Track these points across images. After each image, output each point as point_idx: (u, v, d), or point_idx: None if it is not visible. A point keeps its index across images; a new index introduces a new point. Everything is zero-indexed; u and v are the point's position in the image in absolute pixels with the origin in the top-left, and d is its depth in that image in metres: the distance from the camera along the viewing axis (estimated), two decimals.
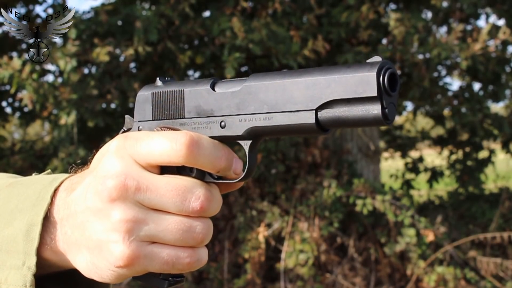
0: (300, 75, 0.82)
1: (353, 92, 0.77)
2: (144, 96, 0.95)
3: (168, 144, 0.83)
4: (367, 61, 0.79)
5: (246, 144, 0.88)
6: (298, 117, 0.82)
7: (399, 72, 6.28)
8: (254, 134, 0.87)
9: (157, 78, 0.96)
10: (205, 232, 0.85)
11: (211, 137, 0.88)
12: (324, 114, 0.80)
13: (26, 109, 6.63)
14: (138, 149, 0.84)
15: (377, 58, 0.78)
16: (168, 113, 0.93)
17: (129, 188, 0.82)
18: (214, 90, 0.89)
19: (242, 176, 0.89)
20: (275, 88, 0.83)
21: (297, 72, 0.83)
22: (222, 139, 0.88)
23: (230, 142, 0.89)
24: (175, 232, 0.83)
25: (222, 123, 0.88)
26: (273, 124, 0.84)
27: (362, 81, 0.77)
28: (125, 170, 0.83)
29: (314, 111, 0.80)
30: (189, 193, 0.83)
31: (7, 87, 6.25)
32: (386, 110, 0.77)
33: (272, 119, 0.84)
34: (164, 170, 0.87)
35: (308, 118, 0.81)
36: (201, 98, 0.90)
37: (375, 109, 0.77)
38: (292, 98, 0.82)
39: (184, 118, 0.91)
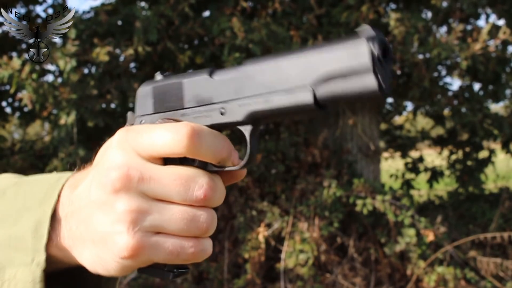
0: (295, 53, 0.82)
1: (347, 66, 0.77)
2: (144, 91, 0.96)
3: (170, 136, 0.83)
4: (356, 30, 0.79)
5: (246, 130, 0.88)
6: (296, 96, 0.82)
7: (399, 72, 6.28)
8: (253, 118, 0.86)
9: (157, 72, 0.96)
10: (209, 222, 0.85)
11: (212, 124, 0.88)
12: (321, 90, 0.80)
13: (25, 109, 6.63)
14: (140, 141, 0.84)
15: (365, 27, 0.78)
16: (168, 105, 0.93)
17: (133, 179, 0.82)
18: (212, 77, 0.89)
19: (244, 163, 0.89)
20: (271, 69, 0.84)
21: (292, 52, 0.83)
22: (223, 126, 0.88)
23: (231, 128, 0.90)
24: (179, 222, 0.83)
25: (222, 110, 0.88)
26: (271, 107, 0.84)
27: (354, 53, 0.77)
28: (128, 161, 0.83)
29: (310, 89, 0.81)
30: (192, 182, 0.84)
31: (7, 87, 6.25)
32: (380, 78, 0.77)
33: (270, 101, 0.84)
34: (167, 162, 0.87)
35: (306, 96, 0.81)
36: (200, 86, 0.90)
37: (369, 80, 0.77)
38: (289, 77, 0.82)
39: (184, 108, 0.91)
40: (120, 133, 0.87)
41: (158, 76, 0.96)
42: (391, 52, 0.79)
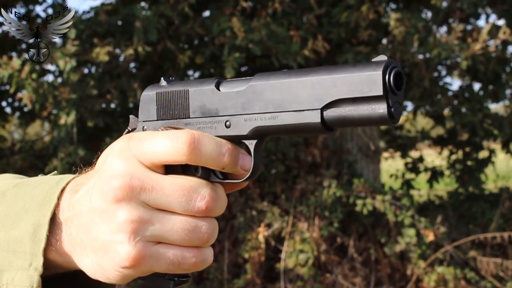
0: (306, 74, 0.82)
1: (358, 91, 0.77)
2: (148, 96, 0.95)
3: (170, 143, 0.83)
4: (373, 60, 0.79)
5: (251, 144, 0.88)
6: (304, 116, 0.81)
7: None
8: (259, 133, 0.86)
9: (162, 78, 0.95)
10: (211, 232, 0.85)
11: (216, 136, 0.88)
12: (330, 113, 0.80)
13: (25, 109, 6.62)
14: (141, 149, 0.84)
15: (382, 57, 0.78)
16: (173, 113, 0.92)
17: (135, 189, 0.82)
18: (219, 89, 0.89)
19: (247, 176, 0.89)
20: (280, 88, 0.83)
21: (302, 71, 0.83)
22: (227, 139, 0.88)
23: (235, 142, 0.89)
24: (180, 232, 0.83)
25: (227, 123, 0.88)
26: (278, 123, 0.84)
27: (368, 80, 0.76)
28: (130, 170, 0.83)
29: (319, 111, 0.80)
30: (194, 193, 0.84)
31: (7, 87, 6.25)
32: (392, 109, 0.77)
33: (277, 119, 0.84)
34: (169, 170, 0.87)
35: (314, 118, 0.81)
36: (206, 97, 0.90)
37: (381, 108, 0.77)
38: (297, 97, 0.82)
39: (189, 118, 0.91)
40: (122, 141, 0.87)
41: (163, 82, 0.95)
42: (404, 83, 0.79)
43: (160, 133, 0.86)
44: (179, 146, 0.82)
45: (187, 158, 0.83)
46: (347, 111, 0.79)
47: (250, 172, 0.89)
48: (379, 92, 0.76)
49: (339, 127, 0.83)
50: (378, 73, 0.76)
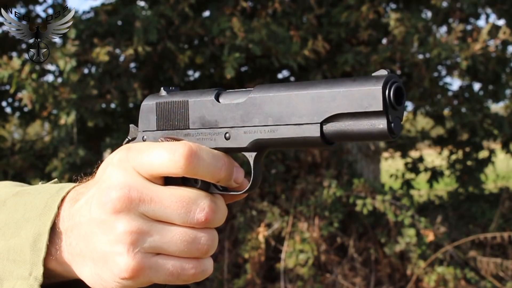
0: (306, 87, 0.82)
1: (358, 106, 0.77)
2: (148, 106, 0.95)
3: (167, 156, 0.83)
4: (373, 74, 0.78)
5: (251, 156, 0.88)
6: (303, 130, 0.81)
7: (399, 72, 6.28)
8: (258, 146, 0.86)
9: (162, 88, 0.95)
10: (210, 243, 0.85)
11: (216, 148, 0.88)
12: (329, 127, 0.80)
13: (25, 109, 6.63)
14: (139, 161, 0.84)
15: (383, 72, 0.78)
16: (172, 124, 0.93)
17: (133, 200, 0.82)
18: (218, 101, 0.89)
19: (247, 188, 0.89)
20: (280, 101, 0.83)
21: (303, 84, 0.83)
22: (227, 151, 0.88)
23: (235, 153, 0.89)
24: (179, 244, 0.83)
25: (227, 135, 0.88)
26: (277, 136, 0.84)
27: (368, 95, 0.76)
28: (128, 181, 0.83)
29: (319, 125, 0.80)
30: (193, 204, 0.84)
31: (7, 87, 6.25)
32: (392, 124, 0.77)
33: (276, 132, 0.83)
34: (169, 181, 0.86)
35: (313, 131, 0.81)
36: (206, 109, 0.90)
37: (380, 124, 0.76)
38: (297, 111, 0.82)
39: (189, 129, 0.91)
40: (121, 152, 0.87)
41: (163, 92, 0.95)
42: (405, 98, 0.78)
43: (158, 144, 0.86)
44: (175, 158, 0.82)
45: (184, 171, 0.83)
46: (347, 126, 0.79)
47: (250, 184, 0.89)
48: (379, 107, 0.75)
49: (338, 141, 0.82)
50: (378, 88, 0.75)
